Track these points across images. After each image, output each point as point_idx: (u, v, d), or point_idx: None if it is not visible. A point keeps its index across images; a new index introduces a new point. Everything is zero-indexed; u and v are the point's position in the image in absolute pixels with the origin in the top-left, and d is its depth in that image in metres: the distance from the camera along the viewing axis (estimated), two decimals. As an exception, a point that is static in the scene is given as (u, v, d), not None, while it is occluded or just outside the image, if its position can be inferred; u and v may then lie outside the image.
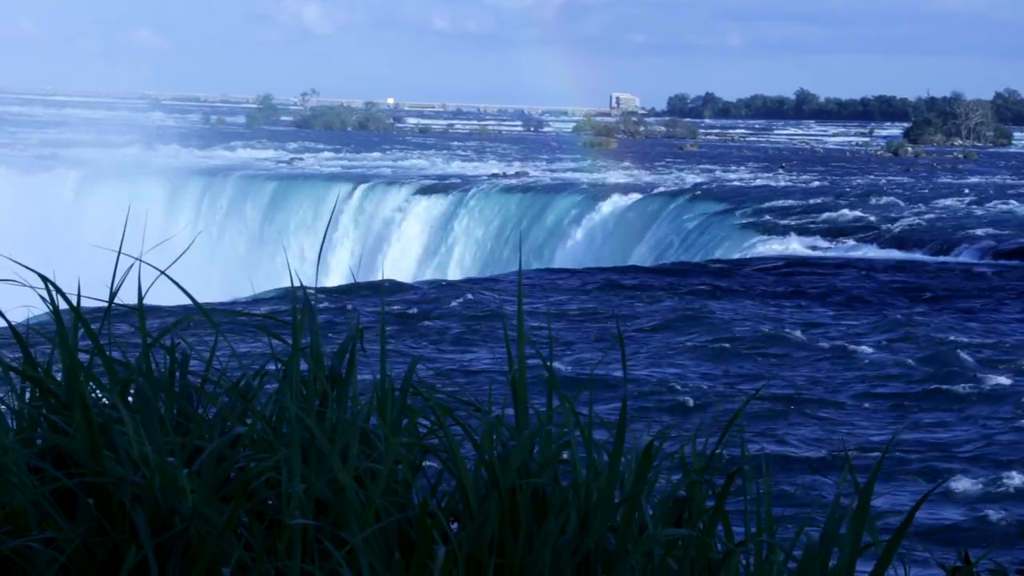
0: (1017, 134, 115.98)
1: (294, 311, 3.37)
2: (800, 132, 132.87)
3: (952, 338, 18.74)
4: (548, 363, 3.43)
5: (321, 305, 20.16)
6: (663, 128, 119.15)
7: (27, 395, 3.31)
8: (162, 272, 3.49)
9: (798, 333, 19.30)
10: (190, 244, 3.97)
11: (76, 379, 3.17)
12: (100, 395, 3.26)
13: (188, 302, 3.49)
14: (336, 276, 41.77)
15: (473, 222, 45.73)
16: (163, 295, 3.80)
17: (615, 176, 54.68)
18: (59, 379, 3.25)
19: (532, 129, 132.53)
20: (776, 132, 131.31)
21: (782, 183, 51.50)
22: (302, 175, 54.80)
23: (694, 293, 23.27)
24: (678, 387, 15.74)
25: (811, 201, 41.20)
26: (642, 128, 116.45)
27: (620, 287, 24.06)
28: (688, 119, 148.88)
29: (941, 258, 29.89)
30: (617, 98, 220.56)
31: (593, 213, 43.14)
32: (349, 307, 20.18)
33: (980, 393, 15.60)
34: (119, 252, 3.46)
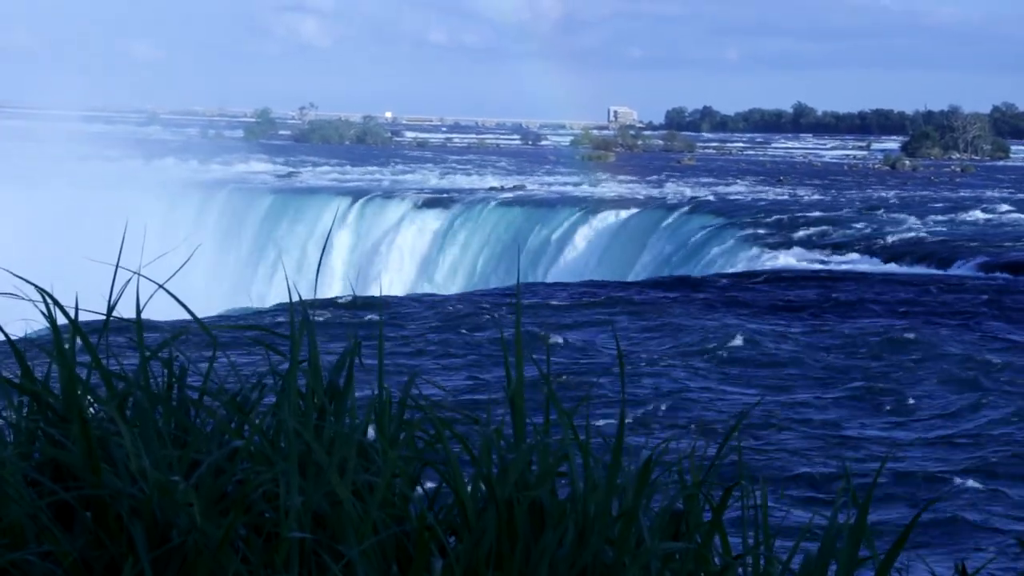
0: (1014, 147, 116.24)
1: (292, 324, 3.38)
2: (798, 145, 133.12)
3: (950, 351, 18.75)
4: (546, 376, 3.43)
5: (319, 319, 20.16)
6: (661, 141, 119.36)
7: (25, 409, 3.31)
8: (160, 286, 3.49)
9: (796, 346, 19.31)
10: (188, 258, 3.97)
11: (74, 392, 3.18)
12: (98, 408, 3.26)
13: (186, 316, 3.50)
14: (334, 290, 41.78)
15: (471, 236, 45.77)
16: (161, 309, 3.81)
17: (613, 189, 54.74)
18: (57, 392, 3.26)
19: (530, 143, 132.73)
20: (774, 145, 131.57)
21: (780, 196, 51.57)
22: (300, 189, 54.85)
23: (692, 306, 23.28)
24: (676, 400, 15.74)
25: (809, 214, 41.23)
26: (640, 141, 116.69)
27: (618, 300, 24.07)
28: (686, 132, 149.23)
29: (939, 271, 29.92)
30: (615, 111, 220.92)
31: (591, 226, 43.18)
32: (347, 321, 20.18)
33: (978, 406, 15.61)
34: (116, 265, 3.47)
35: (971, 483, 12.26)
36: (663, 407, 15.36)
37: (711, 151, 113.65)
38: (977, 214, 42.99)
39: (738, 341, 19.49)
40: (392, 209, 48.26)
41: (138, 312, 3.43)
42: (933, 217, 41.44)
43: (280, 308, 20.78)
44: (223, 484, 3.12)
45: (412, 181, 60.55)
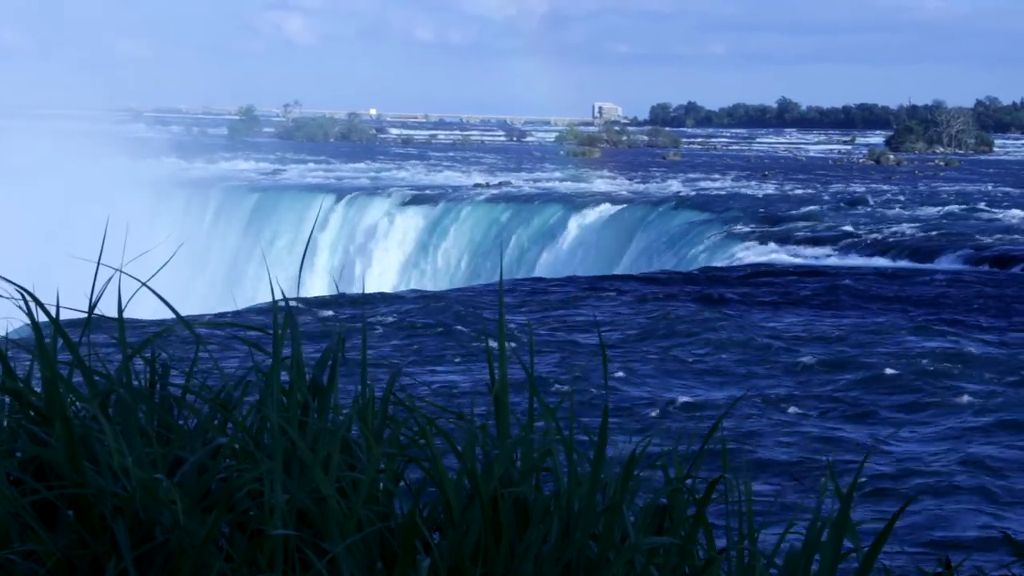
0: (998, 141, 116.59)
1: (275, 322, 3.37)
2: (782, 140, 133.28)
3: (934, 345, 18.80)
4: (530, 372, 3.43)
5: (303, 316, 20.13)
6: (646, 137, 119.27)
7: (6, 407, 3.30)
8: (143, 284, 3.48)
9: (780, 340, 19.33)
10: (172, 255, 3.96)
11: (55, 390, 3.16)
12: (80, 407, 3.25)
13: (170, 314, 3.49)
14: (319, 287, 41.70)
15: (456, 232, 45.73)
16: (145, 307, 3.80)
17: (598, 185, 54.74)
18: (38, 391, 3.24)
19: (515, 139, 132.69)
20: (758, 140, 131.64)
21: (765, 191, 51.62)
22: (285, 186, 54.73)
23: (677, 301, 23.30)
24: (660, 394, 15.75)
25: (793, 209, 41.30)
26: (625, 137, 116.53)
27: (603, 296, 24.08)
28: (670, 128, 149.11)
29: (922, 265, 29.98)
30: (599, 107, 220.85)
31: (576, 223, 43.18)
32: (331, 318, 20.16)
33: (961, 399, 15.64)
34: (98, 263, 3.46)
35: (956, 476, 12.29)
36: (647, 402, 15.37)
37: (696, 146, 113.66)
38: (961, 208, 43.09)
39: (722, 335, 19.51)
40: (377, 206, 48.20)
41: (119, 310, 3.42)
42: (917, 211, 41.53)
43: (264, 306, 20.74)
44: (206, 482, 3.11)
45: (397, 178, 60.48)
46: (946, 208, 42.83)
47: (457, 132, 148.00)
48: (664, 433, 12.74)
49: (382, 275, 44.76)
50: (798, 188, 53.91)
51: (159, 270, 3.62)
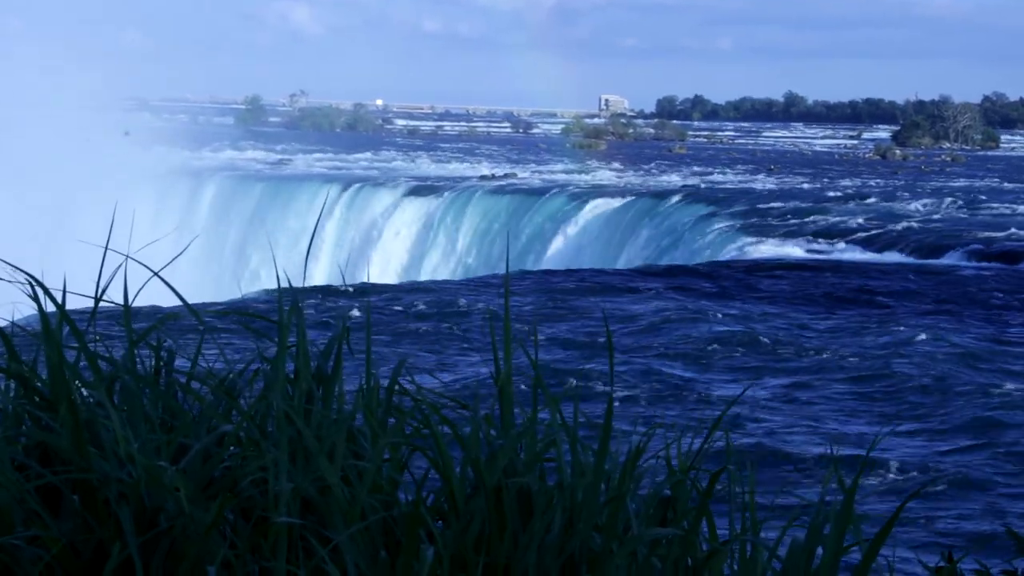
0: (1004, 137, 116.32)
1: (280, 310, 3.37)
2: (788, 134, 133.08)
3: (939, 340, 18.79)
4: (535, 362, 3.43)
5: (308, 305, 20.14)
6: (652, 130, 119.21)
7: (12, 393, 3.30)
8: (156, 274, 3.48)
9: (785, 334, 19.33)
10: (185, 248, 3.97)
11: (61, 375, 3.17)
12: (85, 392, 3.26)
13: (175, 303, 3.49)
14: (324, 277, 41.71)
15: (462, 224, 45.72)
16: (150, 296, 3.80)
17: (604, 178, 54.72)
18: (44, 376, 3.25)
19: (521, 131, 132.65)
20: (765, 134, 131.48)
21: (770, 185, 51.59)
22: (290, 176, 54.74)
23: (682, 294, 23.30)
24: (664, 386, 15.76)
25: (799, 204, 41.27)
26: (631, 130, 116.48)
27: (608, 288, 24.08)
28: (677, 121, 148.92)
29: (928, 261, 29.95)
30: (606, 100, 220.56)
31: (582, 215, 43.16)
32: (337, 307, 20.17)
33: (966, 394, 15.64)
34: (106, 249, 3.46)
35: (960, 471, 12.30)
36: (652, 393, 15.38)
37: (702, 140, 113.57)
38: (967, 204, 43.04)
39: (728, 328, 19.51)
40: (383, 196, 48.19)
41: (125, 296, 3.42)
42: (923, 206, 41.48)
43: (270, 295, 20.75)
44: (211, 469, 3.12)
45: (403, 168, 60.47)
46: (952, 204, 42.78)
47: (463, 123, 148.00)
48: (668, 424, 12.75)
49: (387, 265, 44.77)
50: (804, 182, 53.87)
51: (171, 261, 3.63)
